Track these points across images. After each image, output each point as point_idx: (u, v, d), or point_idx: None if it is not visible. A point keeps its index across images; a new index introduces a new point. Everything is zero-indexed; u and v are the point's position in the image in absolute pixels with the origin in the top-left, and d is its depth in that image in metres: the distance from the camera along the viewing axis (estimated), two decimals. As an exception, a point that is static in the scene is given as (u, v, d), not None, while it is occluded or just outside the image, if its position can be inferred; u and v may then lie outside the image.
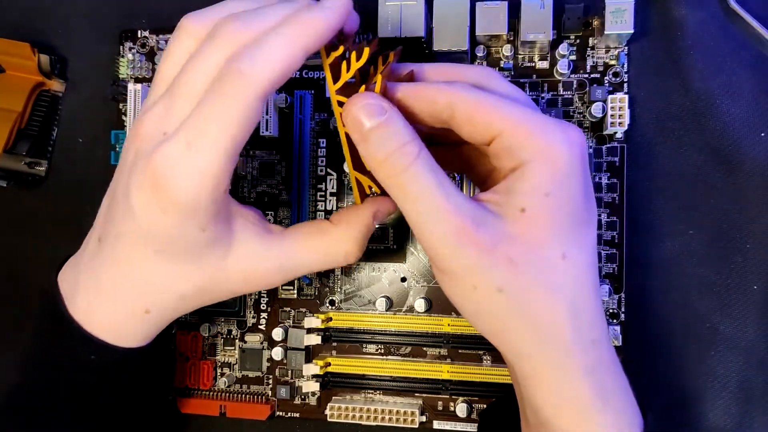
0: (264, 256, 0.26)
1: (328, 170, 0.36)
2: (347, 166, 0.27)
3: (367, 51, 0.23)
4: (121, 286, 0.25)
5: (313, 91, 0.36)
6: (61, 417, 0.27)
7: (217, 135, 0.22)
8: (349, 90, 0.24)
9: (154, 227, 0.23)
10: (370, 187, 0.27)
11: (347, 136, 0.25)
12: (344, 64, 0.24)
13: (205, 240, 0.24)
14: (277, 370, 0.36)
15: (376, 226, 0.29)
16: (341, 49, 0.24)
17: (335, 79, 0.24)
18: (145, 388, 0.30)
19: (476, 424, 0.33)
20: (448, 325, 0.34)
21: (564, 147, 0.22)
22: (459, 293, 0.23)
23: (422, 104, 0.24)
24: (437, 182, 0.22)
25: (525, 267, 0.22)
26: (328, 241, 0.27)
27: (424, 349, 0.35)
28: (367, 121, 0.22)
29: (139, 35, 0.38)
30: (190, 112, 0.22)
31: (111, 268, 0.25)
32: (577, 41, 0.34)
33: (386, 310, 0.35)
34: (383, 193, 0.26)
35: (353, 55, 0.24)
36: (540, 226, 0.22)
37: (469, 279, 0.22)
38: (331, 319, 0.35)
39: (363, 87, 0.24)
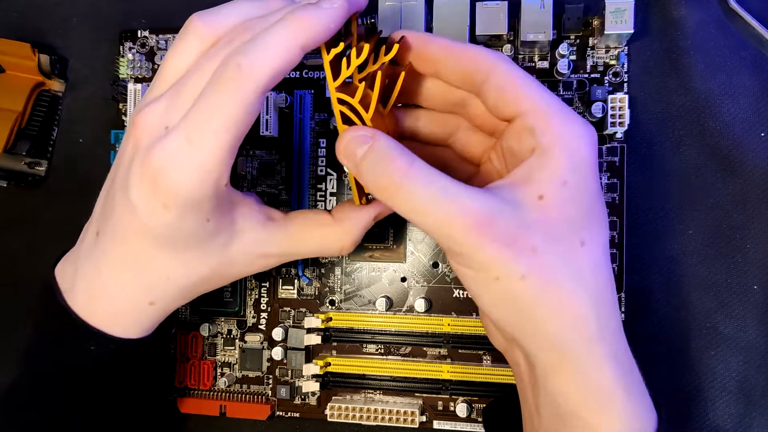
0: (266, 242, 0.26)
1: (328, 170, 0.36)
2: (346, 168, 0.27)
3: (367, 48, 0.23)
4: (123, 278, 0.26)
5: (312, 91, 0.36)
6: (62, 408, 0.27)
7: (216, 129, 0.22)
8: (348, 88, 0.24)
9: (156, 222, 0.23)
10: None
11: None
12: (344, 61, 0.24)
13: (208, 231, 0.24)
14: (277, 370, 0.36)
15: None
16: (341, 46, 0.23)
17: (335, 77, 0.24)
18: (146, 380, 0.30)
19: (476, 424, 0.33)
20: (448, 325, 0.34)
21: (585, 139, 0.22)
22: (481, 285, 0.23)
23: (461, 63, 0.24)
24: (439, 188, 0.22)
25: (548, 254, 0.22)
26: (327, 235, 0.27)
27: (424, 349, 0.35)
28: (358, 151, 0.23)
29: (139, 35, 0.38)
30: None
31: (111, 260, 0.26)
32: (577, 41, 0.34)
33: (386, 310, 0.35)
34: None
35: (353, 52, 0.23)
36: (558, 214, 0.22)
37: (491, 271, 0.22)
38: (331, 319, 0.35)
39: (362, 85, 0.24)
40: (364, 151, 0.23)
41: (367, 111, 0.24)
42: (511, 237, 0.21)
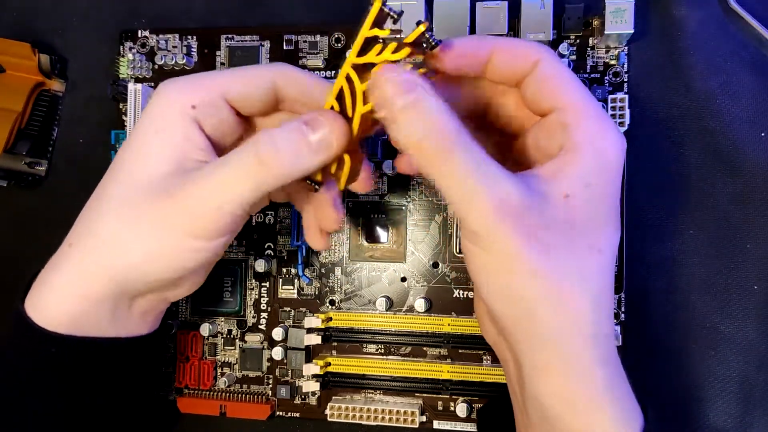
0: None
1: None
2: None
3: (406, 51, 0.22)
4: (77, 273, 0.25)
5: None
6: (34, 414, 0.27)
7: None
8: (363, 71, 0.23)
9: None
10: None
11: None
12: (378, 46, 0.22)
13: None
14: (277, 370, 0.36)
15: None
16: (387, 31, 0.22)
17: (360, 53, 0.23)
18: (121, 379, 0.29)
19: (476, 424, 0.33)
20: (448, 325, 0.34)
21: (615, 145, 0.22)
22: (490, 273, 0.22)
23: (510, 56, 0.24)
24: (481, 161, 0.21)
25: (561, 255, 0.21)
26: None
27: (424, 348, 0.35)
28: (399, 99, 0.21)
29: (139, 35, 0.38)
30: None
31: (72, 259, 0.26)
32: (577, 41, 0.34)
33: (386, 310, 0.35)
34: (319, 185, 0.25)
35: (392, 45, 0.22)
36: (580, 215, 0.22)
37: (505, 262, 0.21)
38: (331, 318, 0.35)
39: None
40: (409, 100, 0.21)
41: (364, 104, 0.23)
42: (534, 231, 0.21)
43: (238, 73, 0.27)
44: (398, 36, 0.22)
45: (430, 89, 0.21)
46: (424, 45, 0.22)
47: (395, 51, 0.22)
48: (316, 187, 0.26)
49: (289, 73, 0.27)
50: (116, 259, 0.25)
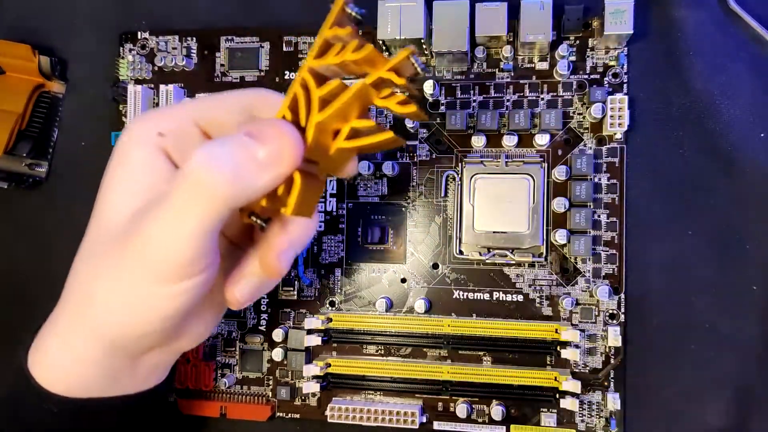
0: None
1: (328, 171, 0.36)
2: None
3: (369, 49, 0.20)
4: (69, 334, 0.24)
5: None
6: None
7: None
8: (320, 77, 0.21)
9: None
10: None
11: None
12: (338, 46, 0.21)
13: None
14: (277, 371, 0.36)
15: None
16: (348, 30, 0.20)
17: (319, 54, 0.21)
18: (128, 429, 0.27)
19: (476, 425, 0.34)
20: (448, 326, 0.34)
21: None
22: None
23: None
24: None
25: None
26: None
27: (424, 349, 0.35)
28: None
29: (139, 37, 0.38)
30: None
31: (63, 318, 0.24)
32: (577, 42, 0.34)
33: (386, 311, 0.35)
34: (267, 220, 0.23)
35: (353, 44, 0.20)
36: None
37: None
38: (331, 320, 0.35)
39: (336, 83, 0.21)
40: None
41: (320, 112, 0.21)
42: None
43: (209, 98, 0.25)
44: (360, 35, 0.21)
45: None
46: (409, 70, 0.20)
47: (355, 51, 0.20)
48: (262, 224, 0.23)
49: (264, 96, 0.24)
50: (97, 318, 0.23)
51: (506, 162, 0.33)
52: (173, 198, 0.20)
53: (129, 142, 0.23)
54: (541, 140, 0.33)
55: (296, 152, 0.20)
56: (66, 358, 0.24)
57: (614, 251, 0.33)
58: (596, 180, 0.33)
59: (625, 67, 0.33)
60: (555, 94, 0.34)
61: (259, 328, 0.36)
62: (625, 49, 0.33)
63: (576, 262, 0.33)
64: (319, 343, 0.35)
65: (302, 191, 0.21)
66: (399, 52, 0.20)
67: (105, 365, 0.24)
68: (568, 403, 0.32)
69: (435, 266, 0.35)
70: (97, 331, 0.23)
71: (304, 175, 0.21)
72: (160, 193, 0.22)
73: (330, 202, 0.36)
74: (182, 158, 0.23)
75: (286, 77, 0.36)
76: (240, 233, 0.26)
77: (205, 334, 0.26)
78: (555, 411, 0.33)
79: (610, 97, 0.32)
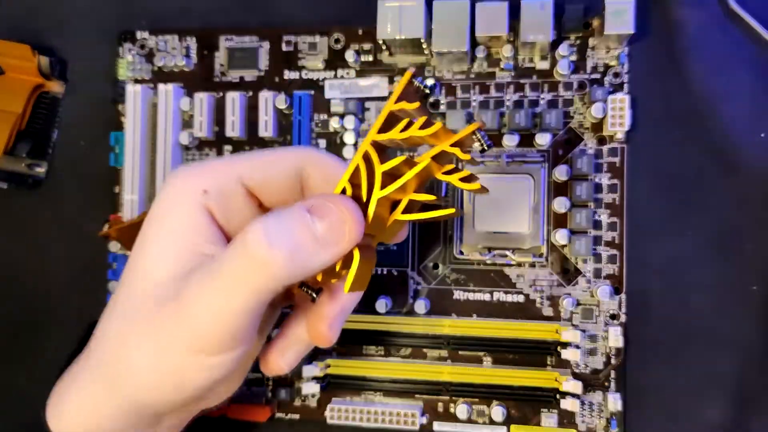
0: None
1: (328, 171, 0.36)
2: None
3: (437, 126, 0.19)
4: (90, 390, 0.23)
5: (312, 92, 0.36)
6: None
7: None
8: (383, 151, 0.21)
9: None
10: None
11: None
12: (405, 122, 0.20)
13: None
14: (277, 372, 0.36)
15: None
16: (416, 105, 0.20)
17: (384, 129, 0.20)
18: None
19: (476, 426, 0.33)
20: (448, 326, 0.34)
21: None
22: None
23: None
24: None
25: None
26: None
27: (424, 350, 0.35)
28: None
29: (138, 36, 0.38)
30: None
31: (86, 373, 0.23)
32: (578, 42, 0.34)
33: (386, 312, 0.35)
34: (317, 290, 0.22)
35: (421, 120, 0.20)
36: None
37: None
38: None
39: (401, 159, 0.20)
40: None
41: (382, 188, 0.20)
42: None
43: (256, 156, 0.24)
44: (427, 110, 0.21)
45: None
46: (475, 144, 0.20)
47: (423, 127, 0.20)
48: (314, 295, 0.22)
49: (313, 156, 0.23)
50: (126, 382, 0.22)
51: (507, 162, 0.33)
52: (225, 271, 0.20)
53: (172, 198, 0.22)
54: (542, 140, 0.33)
55: (358, 230, 0.20)
56: (89, 417, 0.23)
57: (615, 251, 0.33)
58: (597, 180, 0.33)
59: (626, 66, 0.33)
60: (555, 93, 0.34)
61: (259, 328, 0.36)
62: (626, 48, 0.33)
63: (576, 263, 0.33)
64: (319, 343, 0.34)
65: (360, 267, 0.21)
66: (466, 127, 0.20)
67: (128, 426, 0.23)
68: (568, 404, 0.32)
69: (435, 266, 0.35)
70: (124, 394, 0.22)
71: (363, 249, 0.21)
72: (203, 254, 0.21)
73: (330, 202, 0.36)
74: (226, 218, 0.23)
75: (286, 77, 0.36)
76: (279, 296, 0.25)
77: (229, 394, 0.26)
78: (556, 412, 0.33)
79: (610, 96, 0.32)
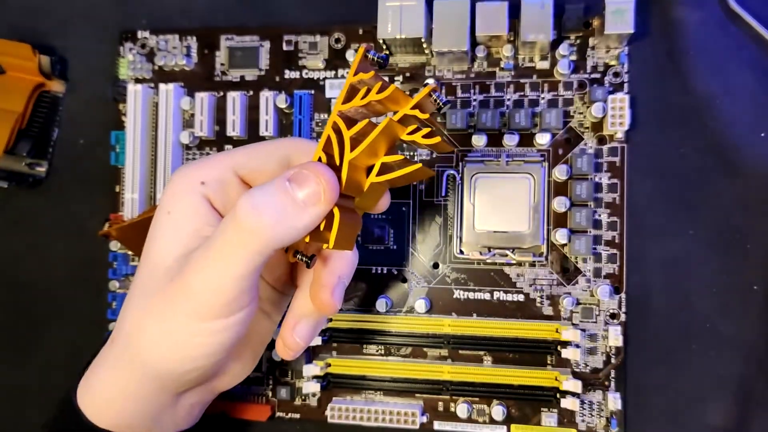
0: None
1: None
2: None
3: (392, 89, 0.22)
4: (116, 371, 0.25)
5: (312, 92, 0.36)
6: None
7: None
8: (350, 119, 0.23)
9: None
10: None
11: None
12: (363, 90, 0.22)
13: None
14: (277, 371, 0.36)
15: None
16: (372, 73, 0.22)
17: (346, 99, 0.22)
18: None
19: (476, 425, 0.34)
20: (449, 325, 0.34)
21: None
22: None
23: None
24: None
25: None
26: None
27: (425, 349, 0.35)
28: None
29: (139, 36, 0.38)
30: None
31: (111, 356, 0.25)
32: (578, 41, 0.34)
33: (386, 311, 0.35)
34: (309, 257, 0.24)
35: (377, 86, 0.22)
36: None
37: None
38: (331, 319, 0.35)
39: (364, 122, 0.22)
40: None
41: (351, 151, 0.22)
42: None
43: (249, 148, 0.26)
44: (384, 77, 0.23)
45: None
46: (432, 105, 0.22)
47: (380, 91, 0.22)
48: (308, 261, 0.24)
49: (299, 144, 0.26)
50: (143, 356, 0.24)
51: (507, 161, 0.33)
52: (219, 242, 0.22)
53: (174, 191, 0.25)
54: (542, 139, 0.33)
55: (333, 189, 0.22)
56: (115, 393, 0.25)
57: (615, 251, 0.33)
58: (597, 179, 0.33)
59: (626, 66, 0.33)
60: (556, 93, 0.34)
61: (259, 327, 0.36)
62: (626, 48, 0.33)
63: (576, 262, 0.33)
64: (319, 342, 0.34)
65: (342, 225, 0.22)
66: (421, 90, 0.22)
67: (151, 401, 0.25)
68: (568, 403, 0.32)
69: (435, 266, 0.35)
70: (146, 367, 0.24)
71: (343, 210, 0.23)
72: (205, 237, 0.24)
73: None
74: (223, 204, 0.25)
75: (286, 76, 0.36)
76: (282, 279, 0.28)
77: (243, 375, 0.29)
78: (556, 411, 0.33)
79: (610, 96, 0.32)
